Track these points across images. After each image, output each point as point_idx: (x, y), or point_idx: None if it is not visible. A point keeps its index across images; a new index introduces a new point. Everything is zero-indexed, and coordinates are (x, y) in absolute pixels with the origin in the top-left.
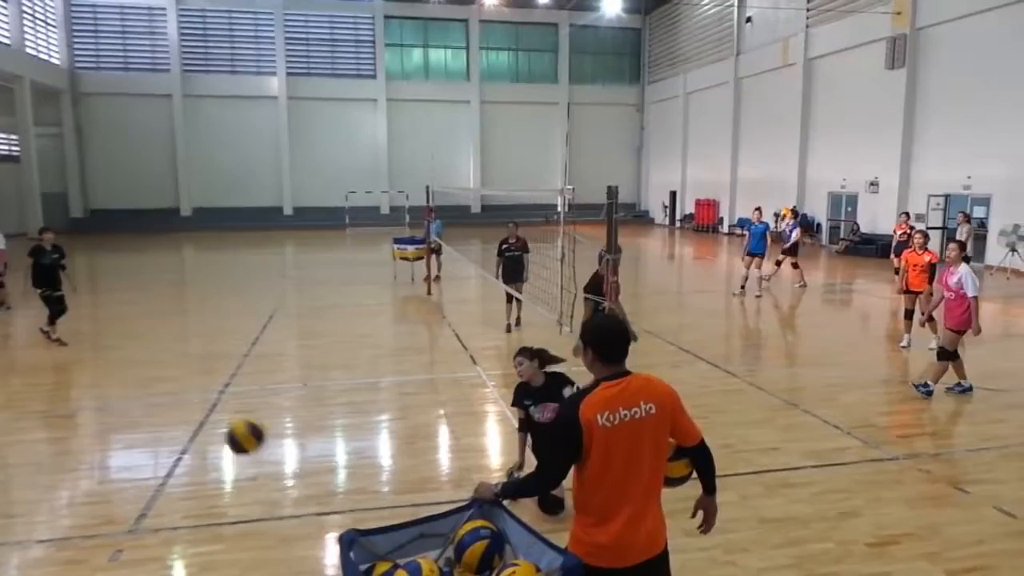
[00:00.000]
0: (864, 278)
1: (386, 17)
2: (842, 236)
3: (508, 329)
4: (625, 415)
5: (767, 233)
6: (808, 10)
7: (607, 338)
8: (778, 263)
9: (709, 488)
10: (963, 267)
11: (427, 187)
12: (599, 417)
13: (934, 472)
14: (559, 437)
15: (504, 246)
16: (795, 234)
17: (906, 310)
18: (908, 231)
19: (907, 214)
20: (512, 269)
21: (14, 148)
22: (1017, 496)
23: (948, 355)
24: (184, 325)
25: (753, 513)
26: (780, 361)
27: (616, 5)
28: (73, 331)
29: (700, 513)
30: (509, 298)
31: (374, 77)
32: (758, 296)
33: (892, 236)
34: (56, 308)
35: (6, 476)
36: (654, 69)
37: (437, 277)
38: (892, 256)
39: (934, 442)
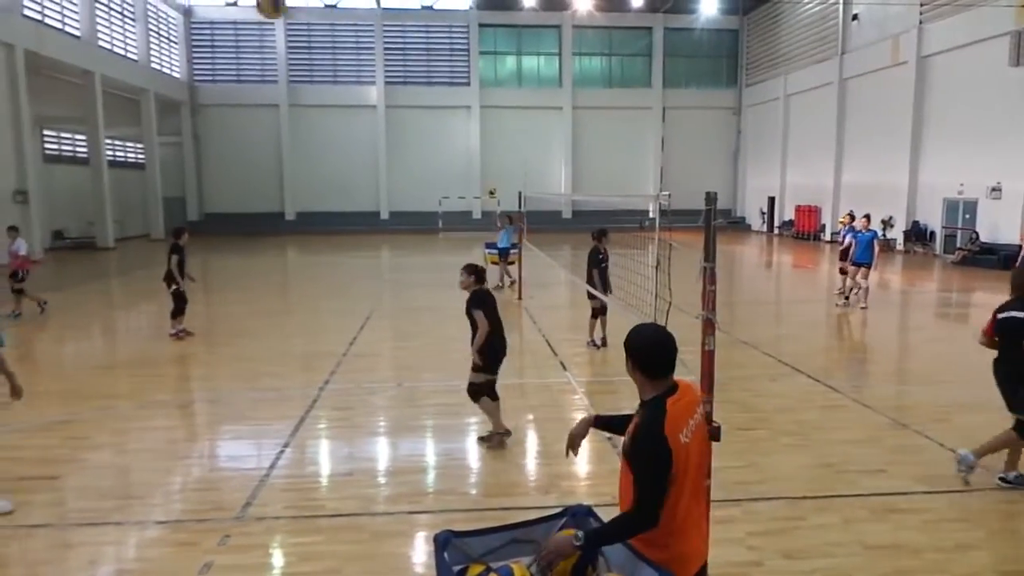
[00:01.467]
0: (984, 291)
1: (480, 25)
2: (959, 245)
3: (590, 344)
4: (692, 425)
5: (874, 241)
6: (922, 5)
7: (657, 351)
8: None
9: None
10: None
11: (519, 193)
12: (681, 436)
13: None
14: (656, 468)
15: (599, 256)
16: (848, 239)
17: None
18: None
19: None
20: (604, 280)
21: (140, 156)
22: None
23: None
24: (287, 324)
25: (857, 538)
26: (887, 377)
27: (713, 6)
28: (188, 327)
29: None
30: (595, 313)
31: (468, 84)
32: (864, 308)
33: (1021, 246)
34: (181, 302)
35: (128, 460)
36: (752, 71)
37: (499, 286)
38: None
39: None
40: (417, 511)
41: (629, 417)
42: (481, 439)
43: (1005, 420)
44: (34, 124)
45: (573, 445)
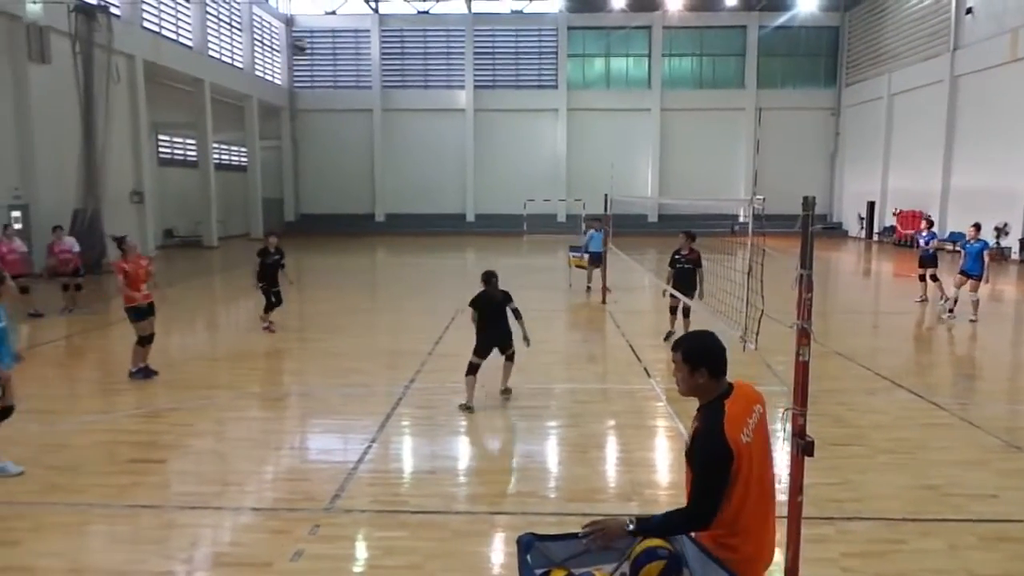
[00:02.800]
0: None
1: (569, 28)
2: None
3: (667, 337)
4: (752, 424)
5: (985, 252)
6: None
7: (717, 354)
8: (927, 278)
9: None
10: None
11: (605, 196)
12: (742, 436)
13: None
14: (714, 467)
15: (676, 256)
16: (929, 244)
17: None
18: None
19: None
20: (682, 281)
21: (243, 159)
22: None
23: None
24: (376, 322)
25: (963, 565)
26: (999, 395)
27: (812, 3)
28: (281, 323)
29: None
30: (673, 310)
31: (555, 87)
32: (973, 321)
33: None
34: (273, 302)
35: (227, 448)
36: (853, 70)
37: (588, 288)
38: None
39: None
40: (498, 512)
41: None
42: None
43: None
44: (150, 129)
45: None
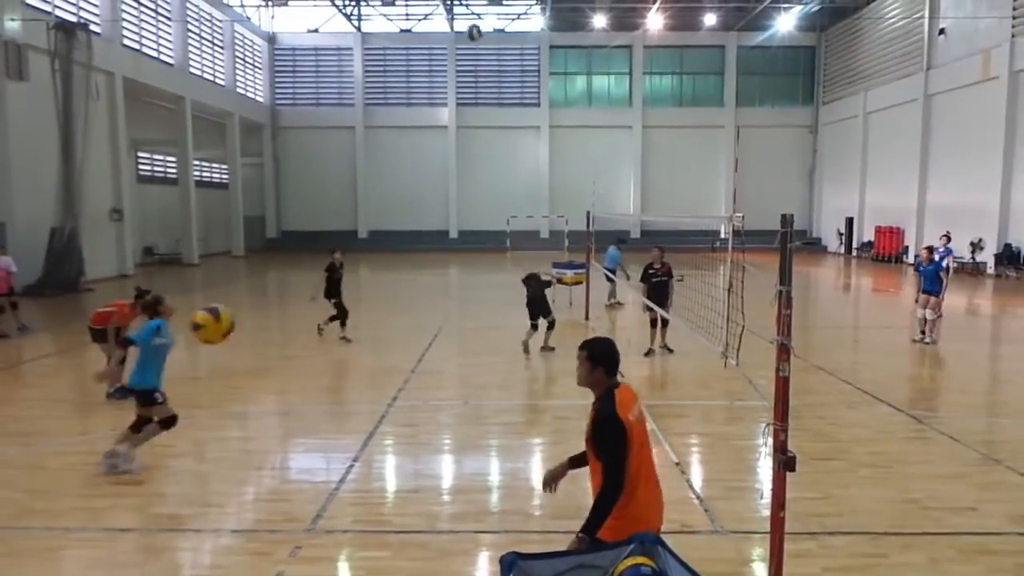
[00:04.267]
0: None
1: (551, 47)
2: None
3: (648, 353)
4: (636, 411)
5: (940, 272)
6: (1014, 18)
7: (613, 357)
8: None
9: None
10: None
11: (587, 213)
12: (630, 415)
13: None
14: (615, 441)
15: (651, 271)
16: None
17: None
18: None
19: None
20: (658, 294)
21: (224, 176)
22: None
23: None
24: (358, 339)
25: None
26: (977, 409)
27: (789, 23)
28: (264, 341)
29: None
30: (653, 323)
31: (538, 105)
32: (929, 343)
33: None
34: (343, 313)
35: (207, 469)
36: (830, 88)
37: (608, 304)
38: None
39: None
40: (482, 530)
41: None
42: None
43: None
44: (129, 146)
45: (548, 483)
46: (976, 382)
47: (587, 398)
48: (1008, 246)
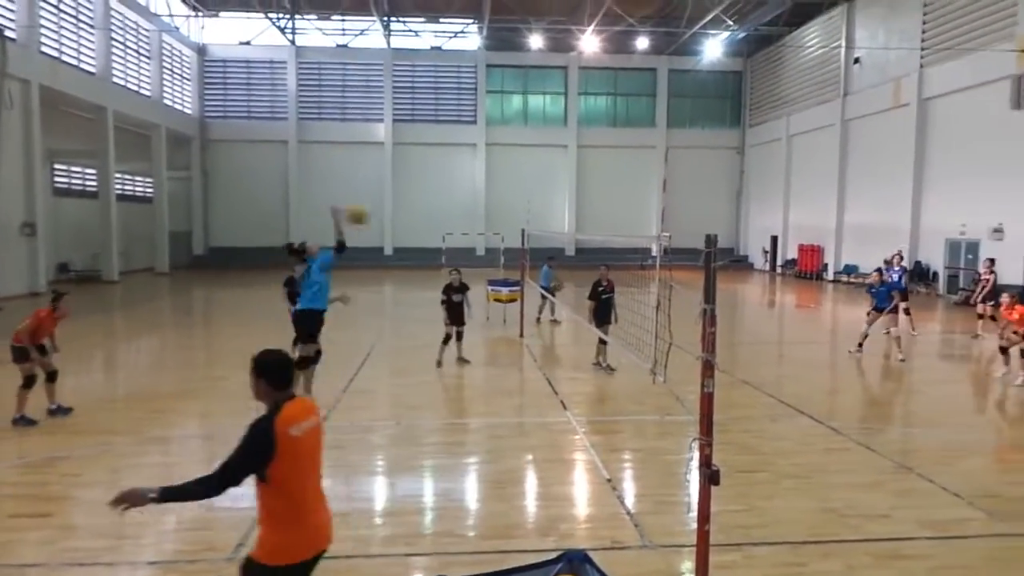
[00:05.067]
0: (988, 331)
1: (488, 65)
2: (961, 286)
3: (599, 366)
4: (306, 426)
5: (893, 292)
6: (922, 49)
7: (275, 369)
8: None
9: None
10: None
11: (522, 231)
12: (291, 430)
13: None
14: (255, 450)
15: (601, 288)
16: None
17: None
18: (989, 278)
19: (991, 260)
20: (604, 311)
21: (148, 190)
22: None
23: None
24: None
25: None
26: (891, 420)
27: (717, 49)
28: (189, 362)
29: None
30: (602, 339)
31: (474, 123)
32: (902, 360)
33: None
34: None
35: None
36: (755, 112)
37: (553, 320)
38: (979, 304)
39: None
40: (414, 553)
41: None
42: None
43: (1005, 466)
44: (45, 158)
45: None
46: (890, 394)
47: (523, 416)
48: (918, 263)
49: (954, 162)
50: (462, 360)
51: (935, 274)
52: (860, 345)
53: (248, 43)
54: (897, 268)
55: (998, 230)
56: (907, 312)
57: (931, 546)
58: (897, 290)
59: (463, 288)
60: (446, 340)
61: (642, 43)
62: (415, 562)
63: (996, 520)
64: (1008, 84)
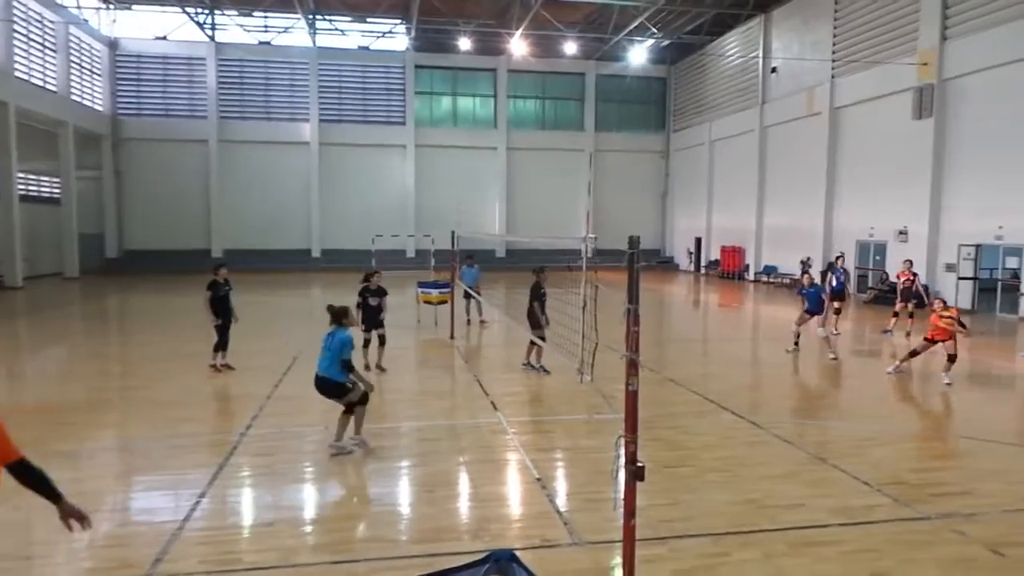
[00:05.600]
0: (900, 328)
1: (417, 67)
2: (870, 285)
3: (535, 368)
4: None
5: (822, 295)
6: (833, 61)
7: None
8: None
9: (55, 496)
10: None
11: (452, 233)
12: None
13: (969, 533)
14: None
15: (543, 291)
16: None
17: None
18: (911, 278)
19: (910, 262)
20: (544, 313)
21: (56, 191)
22: None
23: None
24: (208, 366)
25: (777, 572)
26: (808, 413)
27: (642, 56)
28: (102, 371)
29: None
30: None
31: (403, 124)
32: (834, 359)
33: (896, 282)
34: (225, 338)
35: (27, 517)
36: (679, 117)
37: (481, 321)
38: (897, 302)
39: (968, 501)
40: (342, 560)
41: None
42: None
43: (910, 454)
44: None
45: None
46: (806, 389)
47: (454, 418)
48: (831, 264)
49: (863, 168)
50: (379, 368)
51: (846, 274)
52: (796, 344)
53: (164, 38)
54: (840, 270)
55: (903, 232)
56: (837, 312)
57: (842, 532)
58: (837, 291)
59: (380, 292)
60: (365, 344)
61: (570, 48)
62: (343, 569)
63: (901, 505)
64: (911, 95)
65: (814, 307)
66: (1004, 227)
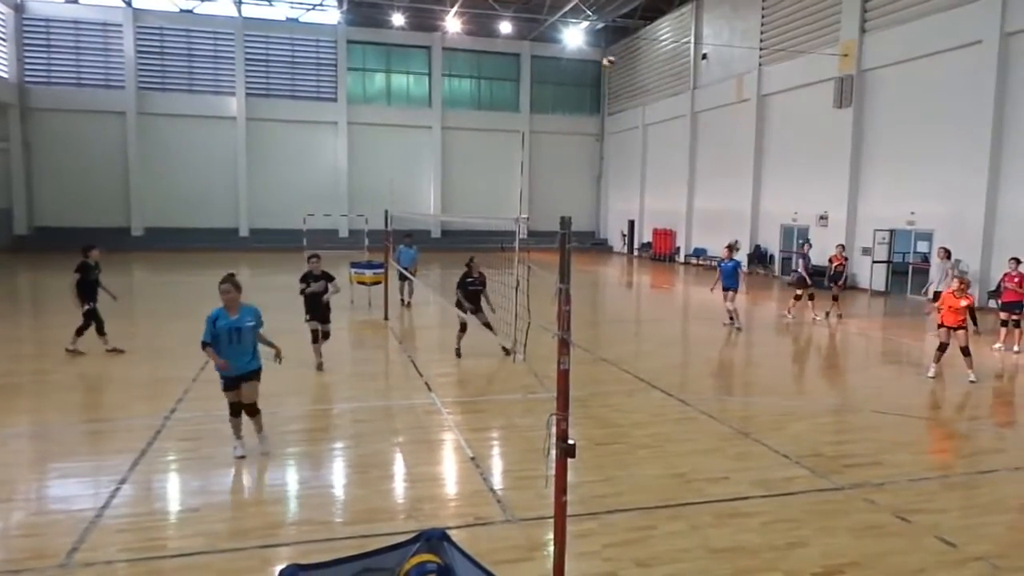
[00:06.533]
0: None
1: (349, 42)
2: (794, 268)
3: (458, 354)
4: None
5: (738, 269)
6: (761, 49)
7: None
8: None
9: None
10: None
11: (386, 212)
12: None
13: (878, 502)
14: None
15: (469, 280)
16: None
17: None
18: (843, 262)
19: (842, 246)
20: (473, 301)
21: None
22: (957, 525)
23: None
24: (130, 349)
25: (702, 543)
26: (733, 390)
27: (577, 38)
28: (13, 355)
29: None
30: (463, 327)
31: (335, 100)
32: (739, 329)
33: (828, 266)
34: (98, 321)
35: None
36: (614, 101)
37: (408, 303)
38: (830, 284)
39: (878, 472)
40: (270, 544)
41: None
42: None
43: (826, 428)
44: None
45: None
46: (732, 366)
47: (388, 399)
48: (758, 247)
49: (788, 154)
50: (319, 366)
51: (772, 257)
52: (731, 319)
53: (75, 1)
54: (804, 255)
55: (824, 217)
56: (811, 298)
57: (763, 503)
58: (801, 279)
59: (325, 277)
60: (315, 339)
61: (506, 28)
62: (271, 553)
63: (818, 476)
64: (832, 85)
65: (728, 283)
66: (916, 213)
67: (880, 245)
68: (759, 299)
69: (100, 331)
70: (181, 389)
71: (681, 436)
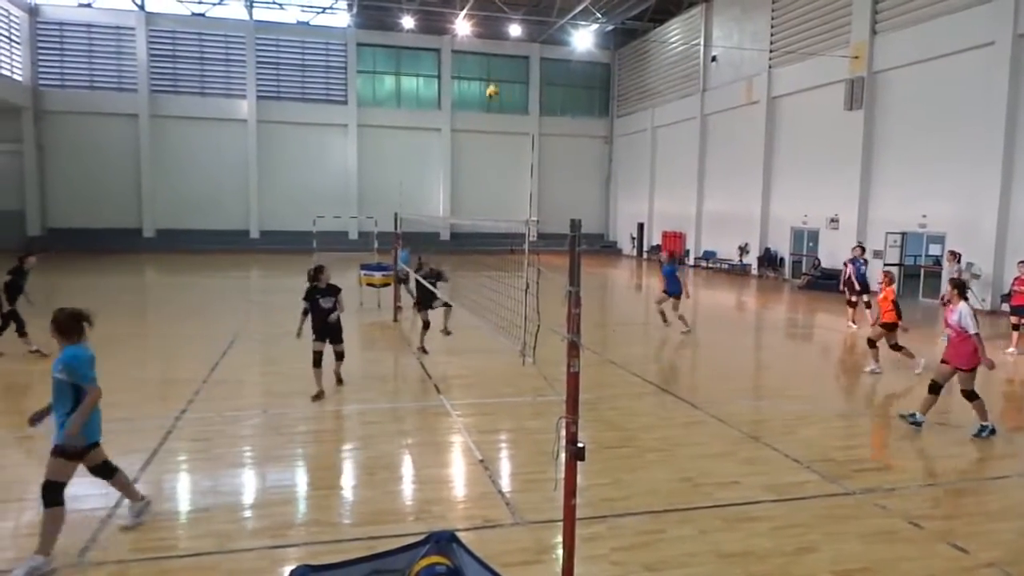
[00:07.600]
0: (825, 312)
1: (359, 44)
2: (804, 271)
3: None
4: None
5: (675, 273)
6: (771, 51)
7: None
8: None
9: None
10: (962, 305)
11: (395, 215)
12: None
13: (889, 507)
14: None
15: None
16: (850, 270)
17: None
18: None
19: (862, 248)
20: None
21: None
22: (969, 531)
23: (968, 395)
24: (142, 350)
25: (712, 548)
26: (743, 394)
27: (587, 40)
28: (23, 354)
29: None
30: (426, 326)
31: (345, 103)
32: (685, 332)
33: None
34: (18, 321)
35: None
36: (623, 103)
37: (399, 307)
38: (850, 293)
39: (889, 477)
40: (279, 545)
41: None
42: None
43: (837, 433)
44: None
45: None
46: (742, 370)
47: (397, 401)
48: (768, 250)
49: (798, 157)
50: (340, 382)
51: (781, 260)
52: (666, 320)
53: (89, 5)
54: (861, 260)
55: (834, 220)
56: (867, 305)
57: (773, 508)
58: (859, 281)
59: (333, 291)
60: (317, 361)
61: (515, 30)
62: (282, 554)
63: (828, 481)
64: (843, 87)
65: (671, 288)
66: (928, 215)
67: (892, 248)
68: (769, 302)
69: (21, 332)
70: (192, 390)
71: (690, 440)
